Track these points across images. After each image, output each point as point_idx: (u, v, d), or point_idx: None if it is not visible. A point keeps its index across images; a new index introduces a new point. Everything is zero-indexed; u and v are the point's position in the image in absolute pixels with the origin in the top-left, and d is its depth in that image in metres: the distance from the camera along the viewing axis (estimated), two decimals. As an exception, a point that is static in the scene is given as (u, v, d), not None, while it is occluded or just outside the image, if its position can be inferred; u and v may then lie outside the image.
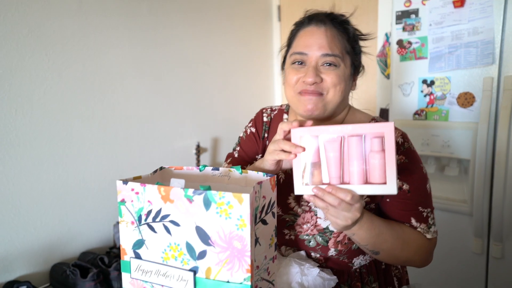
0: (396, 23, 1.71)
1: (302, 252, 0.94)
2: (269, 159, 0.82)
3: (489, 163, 1.53)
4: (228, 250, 0.67)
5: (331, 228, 0.90)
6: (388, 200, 0.89)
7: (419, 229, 0.89)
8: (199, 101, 2.27)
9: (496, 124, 1.52)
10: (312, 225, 0.91)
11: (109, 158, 1.84)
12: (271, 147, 0.81)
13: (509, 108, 1.45)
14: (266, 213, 0.75)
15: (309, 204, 0.93)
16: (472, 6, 1.51)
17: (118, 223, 1.88)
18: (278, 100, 2.78)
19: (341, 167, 0.74)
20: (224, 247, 0.67)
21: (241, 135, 1.08)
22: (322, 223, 0.90)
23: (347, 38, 0.89)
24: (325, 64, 0.86)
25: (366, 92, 2.22)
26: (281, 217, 0.95)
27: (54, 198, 1.66)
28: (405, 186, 0.88)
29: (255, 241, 0.71)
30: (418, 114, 1.70)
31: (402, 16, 1.69)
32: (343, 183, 0.74)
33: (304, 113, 0.88)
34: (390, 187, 0.70)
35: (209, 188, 0.68)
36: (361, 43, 0.94)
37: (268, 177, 0.77)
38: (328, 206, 0.74)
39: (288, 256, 0.93)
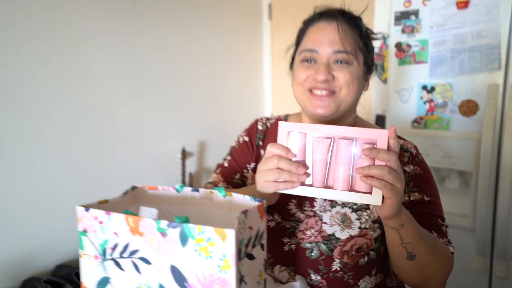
0: (395, 25, 1.62)
1: (301, 277, 0.85)
2: (265, 193, 0.74)
3: (493, 176, 1.45)
4: (208, 296, 0.56)
5: (337, 235, 0.83)
6: (408, 211, 0.84)
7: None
8: (185, 103, 2.15)
9: (501, 134, 1.44)
10: (316, 231, 0.85)
11: (87, 163, 1.72)
12: (262, 178, 0.72)
13: (515, 117, 1.37)
14: (253, 246, 0.64)
15: (313, 209, 0.86)
16: (477, 7, 1.42)
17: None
18: (268, 101, 2.68)
19: (326, 170, 0.71)
20: (204, 292, 0.56)
21: (234, 144, 1.03)
22: (328, 229, 0.84)
23: (360, 35, 0.85)
24: (337, 62, 0.82)
25: (361, 96, 2.13)
26: (280, 224, 0.88)
27: (25, 206, 1.53)
28: (425, 197, 0.85)
29: (240, 280, 0.60)
30: (417, 122, 1.61)
31: (401, 17, 1.60)
32: (326, 187, 0.72)
33: (314, 113, 0.84)
34: (375, 198, 0.68)
35: (186, 220, 0.57)
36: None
37: (256, 203, 0.66)
38: (385, 171, 0.65)
39: (286, 284, 0.84)
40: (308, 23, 0.89)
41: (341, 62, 0.82)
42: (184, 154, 2.12)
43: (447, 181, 1.57)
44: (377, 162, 0.67)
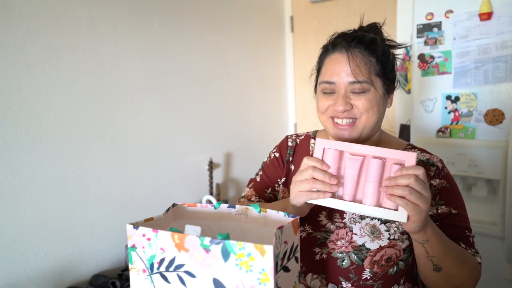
0: (417, 37, 1.63)
1: (333, 285, 0.88)
2: (298, 202, 0.78)
3: (521, 184, 1.44)
4: (249, 307, 0.61)
5: (367, 245, 0.86)
6: (437, 223, 0.86)
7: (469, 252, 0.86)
8: (211, 115, 2.21)
9: (528, 143, 1.43)
10: (347, 242, 0.88)
11: (120, 177, 1.79)
12: (296, 188, 0.77)
13: (542, 126, 1.36)
14: (289, 260, 0.68)
15: (343, 221, 0.89)
16: (500, 19, 1.42)
17: (129, 244, 1.82)
18: (291, 112, 2.71)
19: (356, 186, 0.76)
20: (245, 303, 0.61)
21: (265, 160, 1.08)
22: (358, 240, 0.87)
23: (375, 60, 0.86)
24: (353, 91, 0.85)
25: (384, 114, 2.13)
26: (311, 235, 0.91)
27: (64, 219, 1.61)
28: (453, 210, 0.88)
29: (277, 292, 0.64)
30: (442, 131, 1.61)
31: (424, 29, 1.61)
32: (355, 201, 0.76)
33: (338, 139, 0.88)
34: (401, 215, 0.71)
35: (227, 237, 0.62)
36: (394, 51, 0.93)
37: (290, 219, 0.70)
38: (406, 191, 0.69)
39: None
40: (325, 52, 0.91)
41: (357, 91, 0.84)
42: (211, 166, 2.18)
43: (474, 189, 1.57)
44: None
